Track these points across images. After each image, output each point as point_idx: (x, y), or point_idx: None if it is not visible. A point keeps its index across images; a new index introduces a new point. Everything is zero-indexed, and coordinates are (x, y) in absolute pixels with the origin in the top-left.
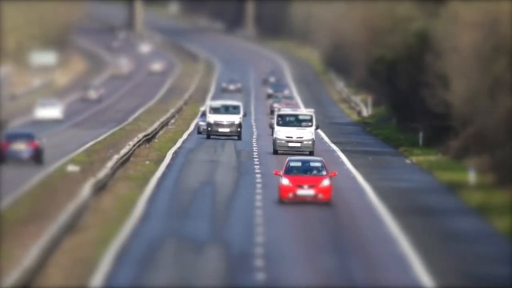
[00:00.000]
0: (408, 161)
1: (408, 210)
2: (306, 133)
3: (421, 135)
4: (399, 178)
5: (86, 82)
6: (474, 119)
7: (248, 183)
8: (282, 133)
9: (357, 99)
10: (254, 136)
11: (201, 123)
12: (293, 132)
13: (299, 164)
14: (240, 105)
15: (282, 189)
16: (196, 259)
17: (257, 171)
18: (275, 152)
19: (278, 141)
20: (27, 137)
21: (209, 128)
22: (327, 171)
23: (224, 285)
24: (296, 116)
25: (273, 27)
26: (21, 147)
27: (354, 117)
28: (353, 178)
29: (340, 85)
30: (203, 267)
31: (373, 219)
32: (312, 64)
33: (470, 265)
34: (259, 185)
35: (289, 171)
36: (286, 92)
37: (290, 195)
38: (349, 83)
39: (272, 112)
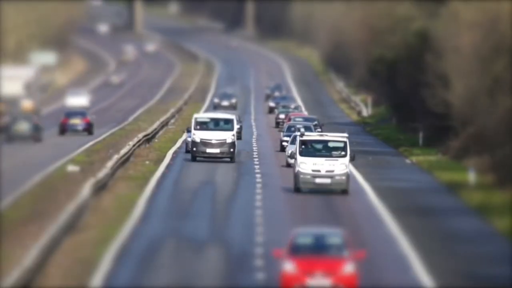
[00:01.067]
0: (408, 161)
1: (408, 210)
2: (339, 166)
3: (421, 135)
4: (399, 178)
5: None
6: (474, 119)
7: (248, 183)
8: (307, 165)
9: (357, 99)
10: (254, 136)
11: (190, 138)
12: (322, 164)
13: (309, 240)
14: (234, 119)
15: (284, 278)
16: (196, 259)
17: (257, 171)
18: (297, 190)
19: (301, 176)
20: (81, 114)
21: (194, 148)
22: (350, 249)
23: (224, 285)
24: (325, 142)
25: (273, 27)
26: (77, 122)
27: (354, 117)
28: (353, 178)
29: (340, 85)
30: (203, 267)
31: (373, 219)
32: (312, 64)
33: (470, 265)
34: (259, 185)
35: (295, 250)
36: (293, 106)
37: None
38: (349, 83)
39: (278, 124)
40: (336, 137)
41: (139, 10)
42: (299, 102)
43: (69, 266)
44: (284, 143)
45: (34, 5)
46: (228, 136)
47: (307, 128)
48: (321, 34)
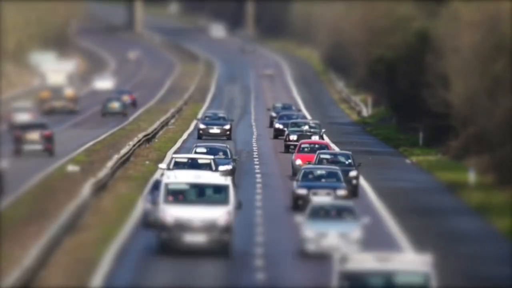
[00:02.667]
0: (408, 161)
1: (408, 210)
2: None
3: (421, 135)
4: (399, 178)
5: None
6: (474, 119)
7: (248, 183)
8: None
9: (357, 99)
10: (254, 136)
11: (150, 205)
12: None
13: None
14: (229, 185)
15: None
16: (196, 259)
17: (257, 171)
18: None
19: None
20: (117, 99)
21: (166, 236)
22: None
23: (224, 285)
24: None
25: (273, 27)
26: (115, 106)
27: (354, 117)
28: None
29: (340, 85)
30: (203, 267)
31: (373, 219)
32: (312, 64)
33: (470, 265)
34: (259, 185)
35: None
36: (295, 112)
37: None
38: (349, 83)
39: (288, 148)
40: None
41: (139, 10)
42: (299, 102)
43: (69, 266)
44: (300, 201)
45: (34, 5)
46: (217, 213)
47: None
48: (321, 34)
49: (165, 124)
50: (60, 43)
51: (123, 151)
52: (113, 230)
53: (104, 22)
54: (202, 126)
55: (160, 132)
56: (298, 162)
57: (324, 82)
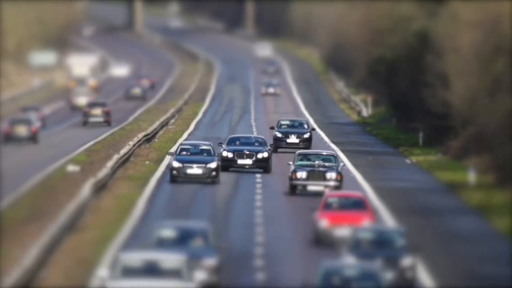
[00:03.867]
0: (408, 161)
1: (408, 210)
2: None
3: (421, 135)
4: (399, 178)
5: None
6: (474, 119)
7: (248, 183)
8: None
9: (357, 99)
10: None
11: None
12: None
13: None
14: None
15: None
16: None
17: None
18: None
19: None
20: (137, 85)
21: None
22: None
23: (224, 285)
24: None
25: (273, 27)
26: (137, 91)
27: (354, 117)
28: (353, 178)
29: (340, 85)
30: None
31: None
32: (312, 64)
33: (470, 265)
34: (259, 185)
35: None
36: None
37: None
38: (349, 83)
39: (294, 189)
40: None
41: (139, 10)
42: (299, 102)
43: (69, 266)
44: None
45: (34, 6)
46: None
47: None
48: (321, 34)
49: (165, 124)
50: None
51: (123, 151)
52: (113, 230)
53: (104, 22)
54: (176, 164)
55: (160, 132)
56: (324, 223)
57: (324, 82)
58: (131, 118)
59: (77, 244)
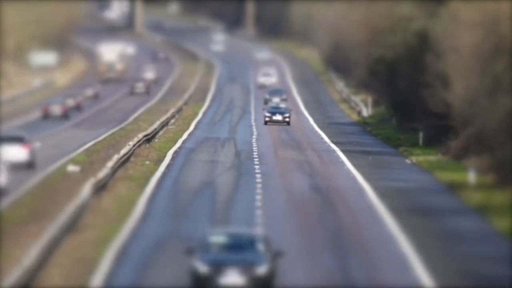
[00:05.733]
0: (408, 161)
1: (408, 210)
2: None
3: (421, 135)
4: (399, 178)
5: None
6: (474, 119)
7: (248, 183)
8: None
9: (357, 99)
10: (254, 136)
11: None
12: None
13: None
14: None
15: None
16: None
17: (257, 171)
18: None
19: None
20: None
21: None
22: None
23: None
24: None
25: (273, 27)
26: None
27: (354, 117)
28: (353, 178)
29: (340, 85)
30: None
31: (373, 219)
32: (312, 64)
33: (470, 265)
34: (259, 185)
35: None
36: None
37: None
38: (349, 83)
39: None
40: None
41: (139, 10)
42: (299, 102)
43: (69, 266)
44: None
45: (33, 6)
46: None
47: None
48: (321, 34)
49: (165, 124)
50: (60, 43)
51: (123, 151)
52: (113, 230)
53: (104, 22)
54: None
55: (160, 132)
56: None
57: (324, 82)
58: (131, 118)
59: (77, 244)
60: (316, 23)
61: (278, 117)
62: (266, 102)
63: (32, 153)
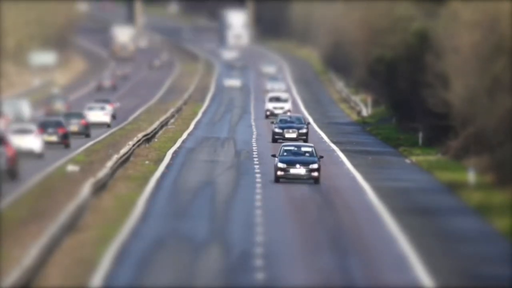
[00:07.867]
0: (407, 161)
1: (408, 210)
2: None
3: (421, 135)
4: (399, 178)
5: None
6: (474, 119)
7: (248, 183)
8: None
9: (357, 99)
10: (254, 136)
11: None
12: None
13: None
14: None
15: None
16: (195, 259)
17: (257, 171)
18: None
19: None
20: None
21: None
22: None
23: (224, 285)
24: None
25: (273, 27)
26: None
27: (354, 117)
28: (353, 178)
29: (340, 85)
30: (203, 267)
31: (373, 219)
32: (312, 64)
33: (470, 265)
34: (258, 185)
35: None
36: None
37: None
38: (349, 83)
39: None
40: None
41: (139, 10)
42: (299, 101)
43: (69, 266)
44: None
45: (33, 5)
46: None
47: None
48: (321, 34)
49: (164, 124)
50: (60, 43)
51: (123, 151)
52: (113, 230)
53: (103, 22)
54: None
55: (160, 132)
56: None
57: (324, 82)
58: (131, 118)
59: (77, 244)
60: (316, 23)
61: (291, 134)
62: (271, 113)
63: (114, 111)
